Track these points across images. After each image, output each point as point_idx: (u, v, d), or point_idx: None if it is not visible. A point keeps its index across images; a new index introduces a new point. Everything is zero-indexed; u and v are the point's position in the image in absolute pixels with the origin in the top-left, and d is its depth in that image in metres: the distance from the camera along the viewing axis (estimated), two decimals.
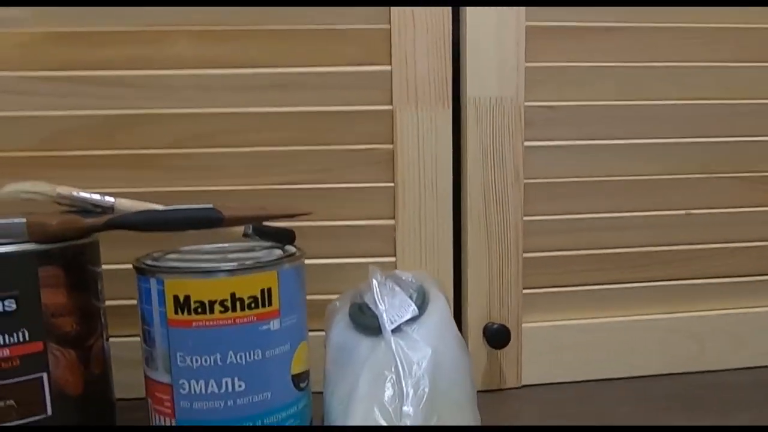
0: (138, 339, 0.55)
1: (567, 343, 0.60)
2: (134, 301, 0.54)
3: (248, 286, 0.42)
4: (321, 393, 0.49)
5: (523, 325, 0.59)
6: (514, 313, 0.59)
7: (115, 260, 0.50)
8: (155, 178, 0.55)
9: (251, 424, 0.43)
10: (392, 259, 0.58)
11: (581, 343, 0.60)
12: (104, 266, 0.48)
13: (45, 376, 0.41)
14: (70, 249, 0.43)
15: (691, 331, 0.61)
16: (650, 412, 0.54)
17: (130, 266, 0.53)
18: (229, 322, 0.42)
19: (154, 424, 0.44)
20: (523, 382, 0.60)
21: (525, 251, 0.58)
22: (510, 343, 0.58)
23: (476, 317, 0.58)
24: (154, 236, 0.52)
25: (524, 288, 0.59)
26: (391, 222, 0.58)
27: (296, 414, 0.46)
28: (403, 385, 0.41)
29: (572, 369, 0.61)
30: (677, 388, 0.58)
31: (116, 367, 0.50)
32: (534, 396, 0.58)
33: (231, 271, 0.42)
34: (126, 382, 0.50)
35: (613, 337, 0.61)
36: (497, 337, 0.57)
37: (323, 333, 0.50)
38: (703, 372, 0.62)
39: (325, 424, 0.46)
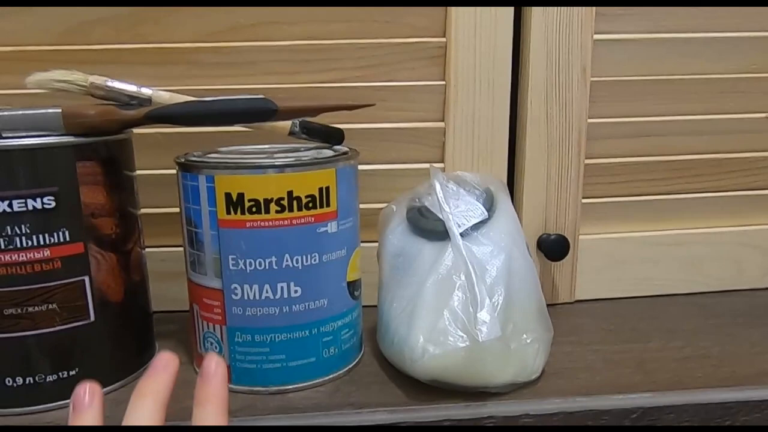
0: (166, 250, 0.52)
1: (626, 257, 0.57)
2: (162, 210, 0.51)
3: (306, 184, 0.38)
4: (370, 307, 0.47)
5: (580, 237, 0.56)
6: (572, 224, 0.55)
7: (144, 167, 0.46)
8: (184, 74, 0.50)
9: (307, 332, 0.40)
10: (440, 165, 0.54)
11: (641, 257, 0.57)
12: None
13: (87, 279, 0.39)
14: (107, 144, 0.39)
15: (761, 245, 0.58)
16: (718, 327, 0.51)
17: (159, 172, 0.49)
18: (286, 222, 0.38)
19: (201, 332, 0.42)
20: (577, 297, 0.57)
21: (586, 157, 0.54)
22: (566, 257, 0.54)
23: (531, 228, 0.55)
24: (186, 140, 0.49)
25: (583, 197, 0.55)
26: (441, 125, 0.53)
27: (351, 323, 0.43)
28: (477, 291, 0.38)
29: (630, 284, 0.58)
30: (745, 305, 0.55)
31: None
32: (590, 311, 0.55)
33: (288, 167, 0.38)
34: (155, 294, 0.47)
35: (675, 251, 0.57)
36: (555, 248, 0.54)
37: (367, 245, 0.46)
38: None
39: (383, 335, 0.43)
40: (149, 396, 0.32)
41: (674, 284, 0.58)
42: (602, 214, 0.56)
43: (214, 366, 0.33)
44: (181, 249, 0.43)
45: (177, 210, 0.43)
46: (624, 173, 0.56)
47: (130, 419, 0.31)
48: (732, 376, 0.43)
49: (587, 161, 0.54)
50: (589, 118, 0.53)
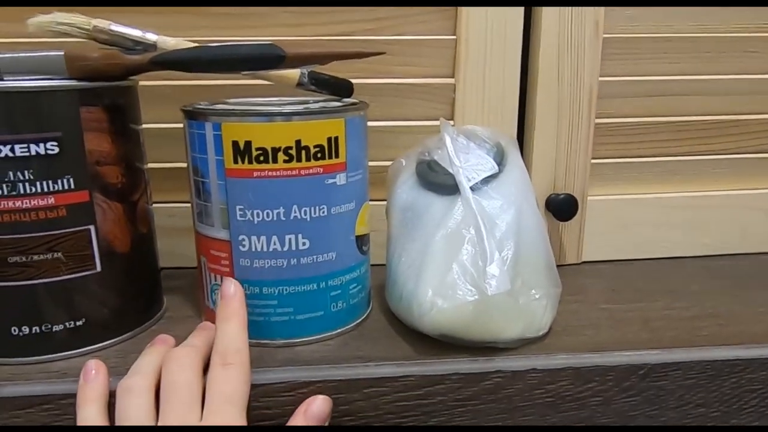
0: (173, 205, 0.52)
1: (634, 219, 0.56)
2: (169, 164, 0.50)
3: (315, 133, 0.37)
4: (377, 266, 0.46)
5: (588, 198, 0.55)
6: (580, 185, 0.55)
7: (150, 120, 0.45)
8: (190, 24, 0.49)
9: (315, 286, 0.40)
10: (450, 123, 0.53)
11: (649, 220, 0.56)
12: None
13: (93, 228, 0.38)
14: (112, 90, 0.38)
15: None
16: (724, 288, 0.51)
17: (165, 126, 0.48)
18: (294, 173, 0.37)
19: (208, 285, 0.41)
20: (584, 259, 0.57)
21: (597, 117, 0.53)
22: (574, 217, 0.54)
23: (540, 187, 0.54)
24: (193, 93, 0.48)
25: (592, 158, 0.54)
26: (451, 81, 0.52)
27: (359, 278, 0.43)
28: (486, 245, 0.38)
29: (637, 246, 0.57)
30: (753, 268, 0.55)
31: None
32: (596, 272, 0.55)
33: (297, 115, 0.37)
34: (163, 251, 0.47)
35: (683, 213, 0.57)
36: (564, 207, 0.53)
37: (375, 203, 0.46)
38: None
39: (391, 290, 0.43)
40: (233, 319, 0.36)
41: (681, 247, 0.58)
42: (611, 175, 0.56)
43: (233, 288, 0.37)
44: (188, 205, 0.42)
45: (184, 165, 0.42)
46: (634, 133, 0.55)
47: (220, 343, 0.35)
48: (738, 335, 0.43)
49: (597, 120, 0.53)
50: (601, 76, 0.52)
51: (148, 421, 0.33)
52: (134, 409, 0.33)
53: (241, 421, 0.33)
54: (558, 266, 0.53)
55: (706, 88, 0.54)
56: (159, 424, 0.32)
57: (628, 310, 0.47)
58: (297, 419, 0.35)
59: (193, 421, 0.32)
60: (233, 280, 0.38)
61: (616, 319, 0.45)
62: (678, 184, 0.57)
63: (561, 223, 0.55)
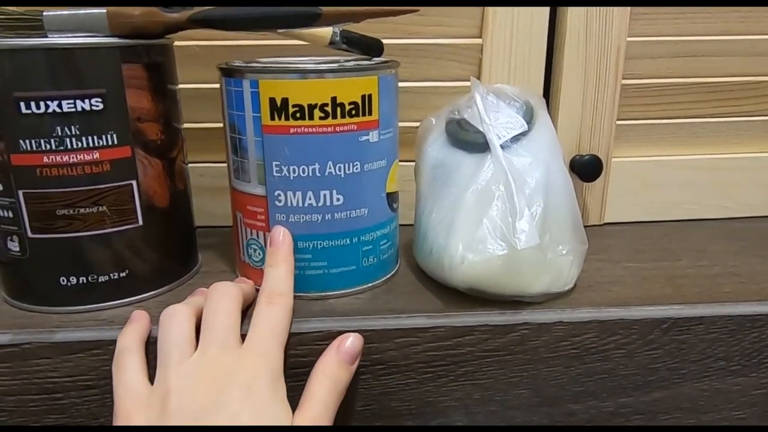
0: (205, 165, 0.53)
1: (657, 181, 0.57)
2: (201, 125, 0.51)
3: (349, 90, 0.38)
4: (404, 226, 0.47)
5: (613, 159, 0.56)
6: (605, 146, 0.55)
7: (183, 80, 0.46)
8: None
9: (347, 240, 0.41)
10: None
11: (673, 181, 0.57)
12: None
13: (135, 183, 0.39)
14: (151, 48, 0.39)
15: None
16: (747, 249, 0.51)
17: (198, 86, 0.49)
18: (329, 129, 0.38)
19: (244, 239, 0.43)
20: (606, 220, 0.58)
21: (624, 77, 0.53)
22: (598, 178, 0.55)
23: (565, 148, 0.54)
24: (225, 53, 0.49)
25: (618, 119, 0.55)
26: (478, 41, 0.52)
27: (389, 234, 0.44)
28: (516, 201, 0.39)
29: (660, 208, 0.58)
30: None
31: None
32: (619, 233, 0.56)
33: (332, 72, 0.38)
34: (195, 209, 0.48)
35: (707, 175, 0.57)
36: (588, 168, 0.54)
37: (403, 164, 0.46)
38: None
39: (421, 246, 0.44)
40: (281, 264, 0.39)
41: (705, 209, 0.58)
42: (636, 137, 0.56)
43: (282, 235, 0.40)
44: (219, 165, 0.44)
45: (215, 125, 0.43)
46: (660, 95, 0.55)
47: (267, 285, 0.38)
48: (760, 292, 0.43)
49: (624, 81, 0.54)
50: (629, 36, 0.52)
51: (189, 343, 0.35)
52: (177, 331, 0.35)
53: (279, 352, 0.35)
54: None
55: (733, 49, 0.54)
56: (199, 347, 0.35)
57: (652, 268, 0.48)
58: (330, 354, 0.37)
59: (232, 346, 0.34)
60: (282, 227, 0.39)
61: (640, 276, 0.46)
62: (703, 146, 0.57)
63: (585, 184, 0.56)
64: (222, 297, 0.36)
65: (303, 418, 0.34)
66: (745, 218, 0.58)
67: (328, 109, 0.38)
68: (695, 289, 0.44)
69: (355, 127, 0.39)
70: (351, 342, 0.37)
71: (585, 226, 0.54)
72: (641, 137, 0.56)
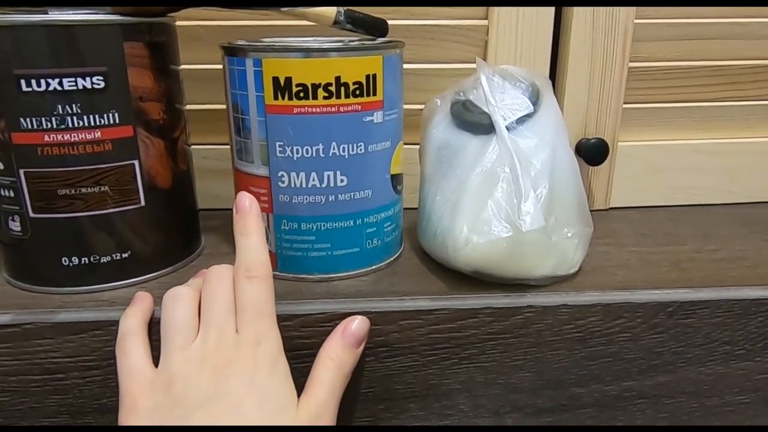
0: (208, 147, 0.52)
1: (663, 165, 0.56)
2: (204, 106, 0.50)
3: (353, 70, 0.38)
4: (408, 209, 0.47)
5: (619, 143, 0.55)
6: (611, 129, 0.55)
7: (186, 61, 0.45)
8: None
9: (351, 222, 0.41)
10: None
11: (679, 166, 0.56)
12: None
13: (137, 163, 0.39)
14: (153, 27, 0.39)
15: None
16: (753, 234, 0.51)
17: (201, 67, 0.49)
18: (333, 109, 0.38)
19: None
20: (612, 204, 0.57)
21: (630, 60, 0.53)
22: (604, 161, 0.54)
23: (571, 131, 0.54)
24: (227, 33, 0.48)
25: (624, 102, 0.54)
26: (484, 23, 0.52)
27: (393, 216, 0.44)
28: (521, 183, 0.38)
29: (666, 193, 0.57)
30: None
31: None
32: (625, 217, 0.56)
33: (336, 51, 0.37)
34: (198, 192, 0.48)
35: (714, 160, 0.57)
36: (594, 152, 0.53)
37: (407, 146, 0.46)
38: None
39: (425, 228, 0.44)
40: (253, 232, 0.36)
41: (711, 194, 0.58)
42: (642, 120, 0.56)
43: (248, 201, 0.37)
44: (223, 147, 0.43)
45: (218, 107, 0.43)
46: (667, 78, 0.54)
47: (244, 257, 0.36)
48: (766, 277, 0.43)
49: (631, 64, 0.53)
50: (636, 18, 0.52)
51: (191, 326, 0.35)
52: (180, 314, 0.35)
53: (274, 330, 0.35)
54: None
55: (741, 32, 0.53)
56: (200, 333, 0.34)
57: (658, 252, 0.47)
58: (335, 338, 0.36)
59: (230, 329, 0.34)
60: (247, 193, 0.38)
61: (645, 260, 0.46)
62: (710, 130, 0.57)
63: (590, 168, 0.55)
64: (220, 280, 0.36)
65: (308, 402, 0.34)
66: (752, 203, 0.58)
67: (332, 88, 0.37)
68: (701, 273, 0.44)
69: (359, 107, 0.39)
70: (356, 325, 0.37)
71: (591, 211, 0.53)
72: (648, 121, 0.56)
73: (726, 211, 0.56)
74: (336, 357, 0.36)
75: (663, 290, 0.41)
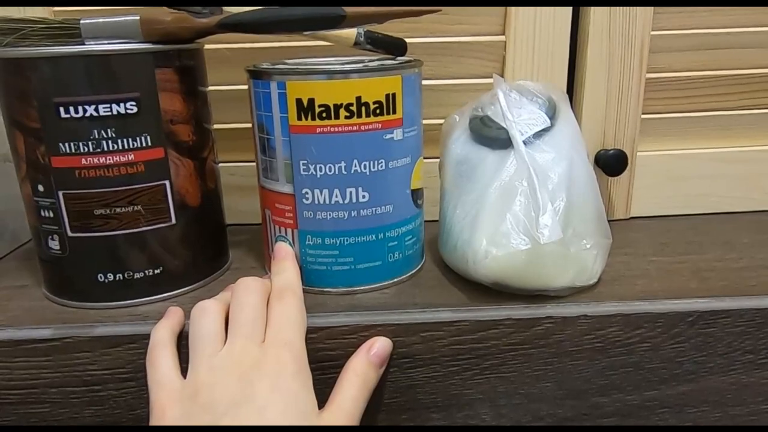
0: (234, 164, 0.54)
1: (683, 174, 0.57)
2: (230, 125, 0.52)
3: (374, 90, 0.39)
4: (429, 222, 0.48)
5: (638, 153, 0.56)
6: (630, 140, 0.55)
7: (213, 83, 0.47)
8: None
9: (373, 237, 0.42)
10: (503, 78, 0.53)
11: (699, 174, 0.57)
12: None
13: (168, 183, 0.41)
14: (182, 53, 0.41)
15: None
16: None
17: (227, 88, 0.50)
18: (355, 128, 0.39)
19: (273, 237, 0.44)
20: (632, 214, 0.58)
21: (648, 71, 0.53)
22: (623, 172, 0.55)
23: (590, 143, 0.55)
24: (253, 56, 0.50)
25: (643, 113, 0.55)
26: (501, 38, 0.53)
27: (414, 230, 0.45)
28: (539, 196, 0.39)
29: (686, 201, 0.58)
30: None
31: None
32: (646, 227, 0.56)
33: (357, 72, 0.39)
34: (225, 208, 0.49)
35: (734, 168, 0.57)
36: (613, 162, 0.54)
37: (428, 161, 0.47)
38: None
39: (445, 241, 0.45)
40: (288, 268, 0.41)
41: (732, 202, 0.58)
42: (661, 130, 0.56)
43: (284, 249, 0.43)
44: (248, 164, 0.45)
45: (243, 126, 0.44)
46: (685, 88, 0.55)
47: (276, 283, 0.40)
48: None
49: (648, 75, 0.54)
50: (653, 30, 0.52)
51: (218, 337, 0.36)
52: (207, 326, 0.36)
53: (300, 341, 0.36)
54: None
55: (758, 41, 0.54)
56: (228, 340, 0.36)
57: (678, 261, 0.48)
58: (361, 355, 0.38)
59: (257, 339, 0.36)
60: (285, 245, 0.43)
61: (666, 269, 0.46)
62: (729, 138, 0.57)
63: (610, 178, 0.56)
64: (247, 292, 0.38)
65: (332, 411, 0.35)
66: None
67: (353, 108, 0.39)
68: (721, 282, 0.44)
69: (380, 125, 0.40)
70: (381, 345, 0.38)
71: (611, 221, 0.54)
72: (667, 131, 0.56)
73: (747, 219, 0.56)
74: (361, 373, 0.37)
75: (683, 300, 0.41)
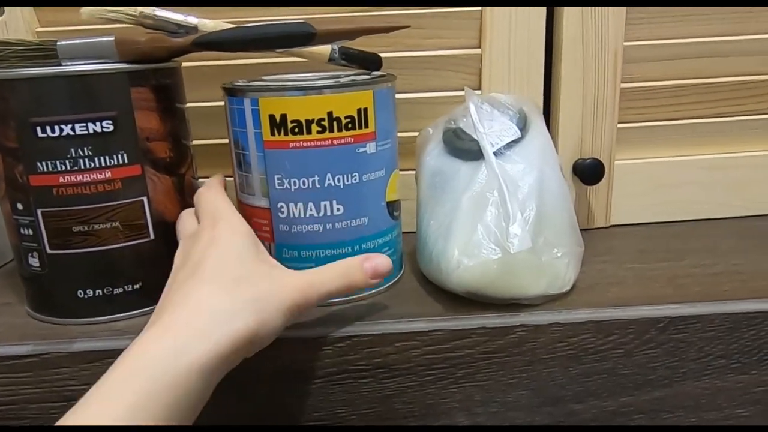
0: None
1: (662, 182, 0.57)
2: (210, 141, 0.53)
3: (345, 105, 0.40)
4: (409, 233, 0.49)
5: (616, 162, 0.57)
6: (607, 149, 0.56)
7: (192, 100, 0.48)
8: (223, 7, 0.52)
9: (349, 249, 0.43)
10: (477, 92, 0.55)
11: (678, 182, 0.57)
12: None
13: (145, 199, 0.42)
14: (158, 71, 0.42)
15: None
16: (754, 247, 0.51)
17: (206, 104, 0.51)
18: (327, 143, 0.40)
19: None
20: (612, 222, 0.58)
21: (623, 81, 0.54)
22: (600, 181, 0.55)
23: (567, 152, 0.55)
24: (231, 72, 0.51)
25: (619, 122, 0.55)
26: (477, 51, 0.54)
27: (390, 242, 0.46)
28: (509, 206, 0.40)
29: (666, 209, 0.58)
30: None
31: None
32: (625, 234, 0.56)
33: (328, 88, 0.40)
34: None
35: (713, 175, 0.57)
36: (590, 171, 0.55)
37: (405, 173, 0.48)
38: None
39: (422, 251, 0.45)
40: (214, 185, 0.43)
41: (712, 208, 0.58)
42: (638, 139, 0.57)
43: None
44: (227, 179, 0.46)
45: (224, 141, 0.45)
46: (661, 97, 0.56)
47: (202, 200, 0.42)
48: (760, 289, 0.44)
49: (623, 85, 0.54)
50: (626, 40, 0.53)
51: (194, 226, 0.41)
52: (187, 225, 0.42)
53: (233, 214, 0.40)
54: (587, 230, 0.56)
55: (734, 50, 0.54)
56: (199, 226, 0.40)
57: (655, 268, 0.48)
58: (355, 258, 0.39)
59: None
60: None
61: (642, 276, 0.47)
62: (707, 145, 0.57)
63: (589, 187, 0.56)
64: (207, 188, 0.42)
65: (304, 276, 0.37)
66: (752, 217, 0.58)
67: (325, 123, 0.40)
68: (696, 288, 0.44)
69: (352, 139, 0.41)
70: (380, 261, 0.39)
71: (591, 229, 0.55)
72: (644, 139, 0.57)
73: (726, 225, 0.57)
74: (349, 272, 0.38)
75: (654, 306, 0.42)
